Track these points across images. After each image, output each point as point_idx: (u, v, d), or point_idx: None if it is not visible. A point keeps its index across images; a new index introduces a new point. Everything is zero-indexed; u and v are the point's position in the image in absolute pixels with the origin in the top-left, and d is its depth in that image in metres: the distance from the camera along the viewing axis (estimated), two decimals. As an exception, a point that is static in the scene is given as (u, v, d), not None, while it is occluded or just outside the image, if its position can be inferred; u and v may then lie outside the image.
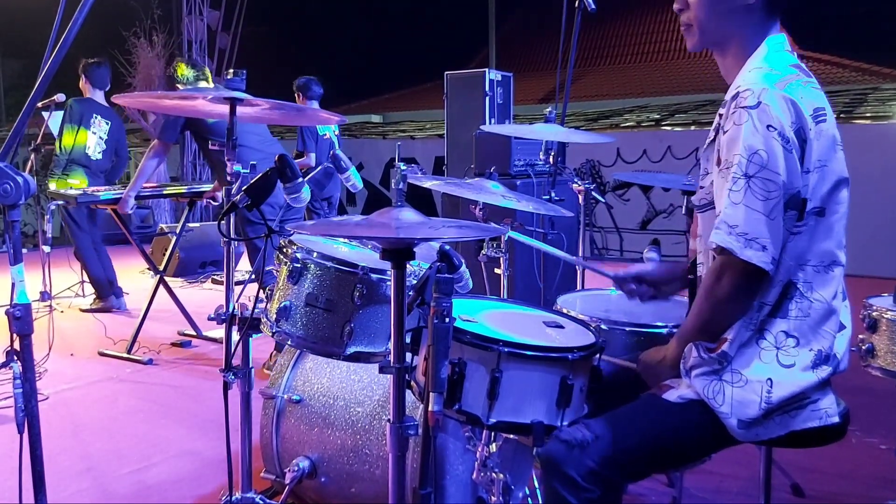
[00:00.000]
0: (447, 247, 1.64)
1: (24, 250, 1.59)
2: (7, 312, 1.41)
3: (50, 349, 3.94)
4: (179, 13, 10.31)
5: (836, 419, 1.48)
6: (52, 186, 5.19)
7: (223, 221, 1.98)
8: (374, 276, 1.82)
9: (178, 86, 4.36)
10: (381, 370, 1.47)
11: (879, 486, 2.69)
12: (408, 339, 1.49)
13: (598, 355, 1.59)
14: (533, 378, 1.48)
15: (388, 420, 1.47)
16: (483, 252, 3.05)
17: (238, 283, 2.07)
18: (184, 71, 4.35)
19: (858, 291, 1.58)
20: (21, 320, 1.40)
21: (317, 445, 2.20)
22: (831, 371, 1.48)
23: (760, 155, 1.40)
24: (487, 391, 1.45)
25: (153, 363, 4.29)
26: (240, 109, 2.02)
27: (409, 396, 1.54)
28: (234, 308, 2.04)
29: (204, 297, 6.21)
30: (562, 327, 1.73)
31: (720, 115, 1.53)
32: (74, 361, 4.34)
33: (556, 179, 3.61)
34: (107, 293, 5.59)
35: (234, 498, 2.07)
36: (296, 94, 6.05)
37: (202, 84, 4.38)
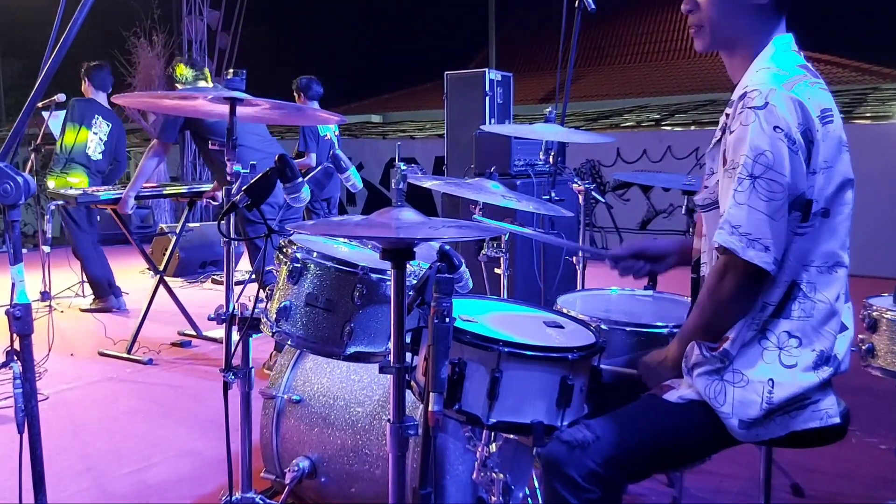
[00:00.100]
0: (447, 247, 1.64)
1: (24, 250, 1.59)
2: (7, 312, 1.41)
3: (50, 349, 3.94)
4: (179, 13, 10.31)
5: (836, 420, 1.48)
6: (52, 185, 5.19)
7: (223, 221, 1.98)
8: (374, 276, 1.82)
9: (177, 85, 4.36)
10: (381, 370, 1.47)
11: (879, 486, 2.69)
12: (408, 339, 1.49)
13: (598, 357, 1.59)
14: (533, 378, 1.48)
15: (388, 420, 1.47)
16: (483, 252, 3.05)
17: (238, 283, 2.07)
18: (183, 71, 4.35)
19: (858, 291, 1.58)
20: (21, 320, 1.40)
21: (317, 445, 2.20)
22: (832, 372, 1.48)
23: (766, 156, 1.40)
24: (487, 391, 1.45)
25: (153, 363, 4.29)
26: (240, 109, 2.02)
27: (409, 396, 1.54)
28: (234, 308, 2.04)
29: (204, 297, 6.21)
30: (562, 327, 1.73)
31: (726, 115, 1.53)
32: (74, 361, 4.34)
33: (556, 179, 3.60)
34: (106, 293, 5.59)
35: (234, 498, 2.07)
36: (295, 94, 6.05)
37: (201, 84, 4.38)
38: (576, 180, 3.30)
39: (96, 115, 5.48)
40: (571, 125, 4.70)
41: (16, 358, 1.42)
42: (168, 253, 4.92)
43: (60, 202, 4.74)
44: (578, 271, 3.22)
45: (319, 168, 2.46)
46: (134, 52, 10.20)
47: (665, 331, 1.82)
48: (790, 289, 1.48)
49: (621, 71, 18.44)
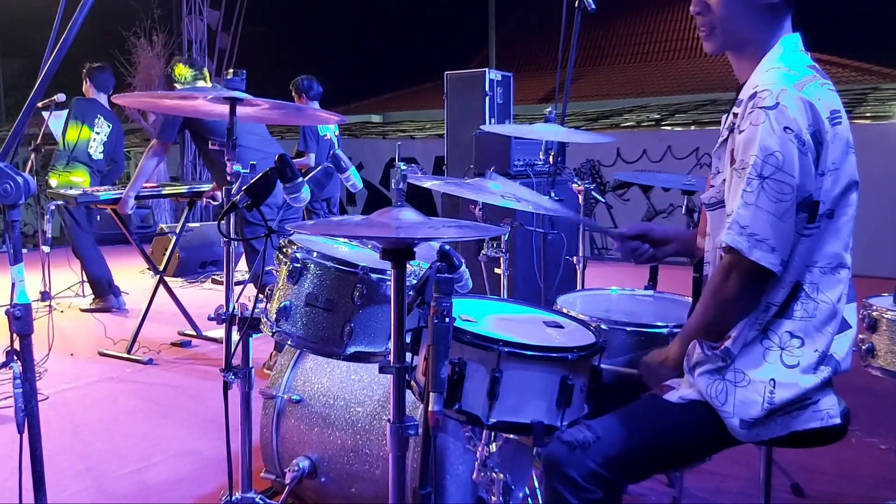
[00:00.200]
0: (447, 247, 1.64)
1: (24, 250, 1.59)
2: (7, 312, 1.41)
3: (50, 349, 3.94)
4: (179, 13, 10.31)
5: (837, 420, 1.48)
6: (54, 183, 5.19)
7: (223, 221, 1.98)
8: (374, 275, 1.82)
9: (176, 85, 4.36)
10: (381, 370, 1.47)
11: (879, 486, 2.69)
12: (408, 339, 1.49)
13: (598, 356, 1.59)
14: (533, 378, 1.48)
15: (388, 420, 1.47)
16: (483, 252, 3.05)
17: (238, 283, 2.07)
18: (182, 71, 4.35)
19: (858, 291, 1.58)
20: (21, 320, 1.40)
21: (317, 445, 2.20)
22: (831, 371, 1.48)
23: (776, 157, 1.40)
24: (487, 391, 1.45)
25: (153, 363, 4.29)
26: (240, 109, 2.02)
27: (409, 396, 1.54)
28: (234, 308, 2.04)
29: (204, 297, 6.21)
30: (562, 327, 1.73)
31: (734, 115, 1.52)
32: (74, 361, 4.34)
33: (555, 179, 3.60)
34: (106, 292, 5.59)
35: (234, 498, 2.07)
36: (295, 95, 6.05)
37: (200, 84, 4.38)
38: (576, 180, 3.30)
39: (98, 116, 5.49)
40: (571, 125, 4.70)
41: (16, 358, 1.42)
42: (168, 253, 4.92)
43: (61, 202, 4.75)
44: (578, 271, 3.22)
45: (319, 168, 2.46)
46: (134, 52, 10.20)
47: (665, 331, 1.82)
48: (794, 289, 1.48)
49: (621, 71, 18.43)
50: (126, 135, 5.99)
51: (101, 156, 5.49)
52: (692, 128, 9.51)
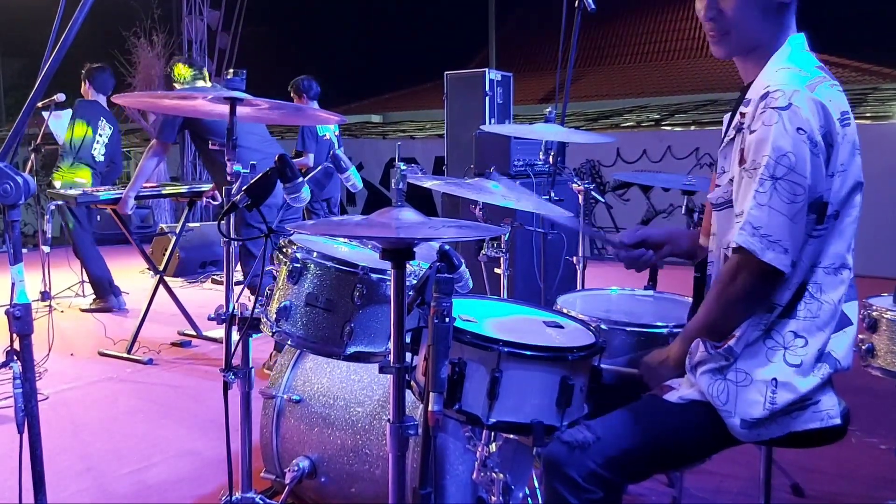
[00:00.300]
0: (447, 247, 1.64)
1: (24, 250, 1.59)
2: (7, 312, 1.41)
3: (50, 349, 3.94)
4: (179, 13, 10.31)
5: (837, 421, 1.48)
6: (58, 184, 5.20)
7: (223, 221, 1.98)
8: (374, 275, 1.82)
9: (176, 85, 4.36)
10: (381, 370, 1.47)
11: (879, 486, 2.69)
12: (408, 339, 1.49)
13: (598, 357, 1.59)
14: (533, 378, 1.48)
15: (388, 420, 1.47)
16: (483, 252, 3.05)
17: (238, 283, 2.07)
18: (181, 71, 4.35)
19: (858, 291, 1.58)
20: (21, 320, 1.40)
21: (317, 445, 2.20)
22: (831, 370, 1.48)
23: (789, 157, 1.39)
24: (487, 391, 1.45)
25: (153, 363, 4.28)
26: (239, 109, 2.02)
27: (409, 396, 1.54)
28: (234, 308, 2.04)
29: (204, 297, 6.21)
30: (562, 327, 1.73)
31: (741, 114, 1.52)
32: (74, 361, 4.34)
33: (555, 179, 3.60)
34: (107, 292, 5.60)
35: (234, 498, 2.07)
36: (294, 96, 6.04)
37: (200, 84, 4.38)
38: (575, 180, 3.30)
39: (101, 118, 5.51)
40: (571, 125, 4.70)
41: (16, 358, 1.42)
42: (168, 253, 4.92)
43: (60, 202, 4.75)
44: (578, 271, 3.22)
45: (319, 168, 2.46)
46: (134, 52, 10.20)
47: (665, 331, 1.82)
48: (799, 290, 1.48)
49: (621, 71, 18.42)
50: (126, 135, 6.00)
51: (102, 158, 5.51)
52: (692, 128, 9.51)
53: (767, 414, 1.45)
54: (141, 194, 4.49)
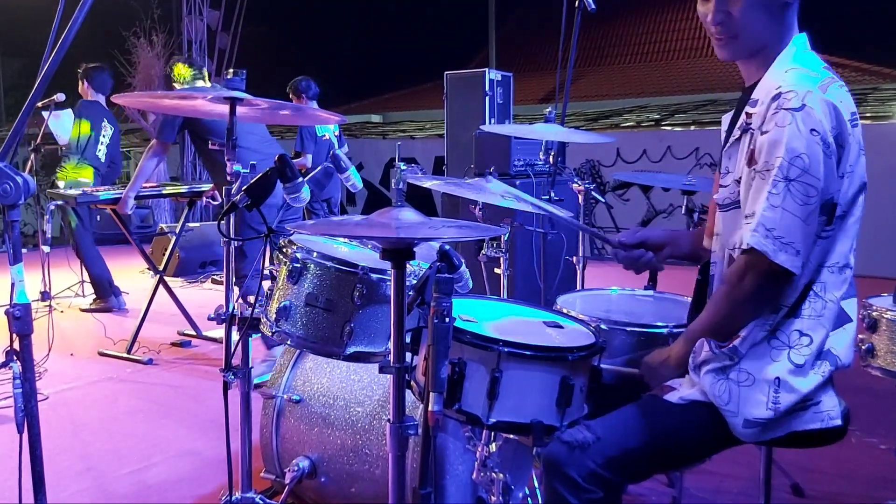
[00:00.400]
0: (447, 247, 1.64)
1: (24, 250, 1.59)
2: (7, 312, 1.41)
3: (50, 349, 3.94)
4: (179, 13, 10.31)
5: (837, 422, 1.48)
6: (62, 183, 5.21)
7: (223, 221, 1.98)
8: (374, 275, 1.82)
9: (175, 85, 4.36)
10: (381, 370, 1.47)
11: (879, 486, 2.69)
12: (408, 339, 1.49)
13: (598, 356, 1.59)
14: (533, 378, 1.48)
15: (388, 420, 1.47)
16: (483, 252, 3.05)
17: (238, 283, 2.07)
18: (181, 71, 4.35)
19: (858, 291, 1.58)
20: (21, 320, 1.40)
21: (317, 445, 2.20)
22: (831, 368, 1.48)
23: (802, 159, 1.39)
24: (487, 391, 1.45)
25: (153, 363, 4.28)
26: (239, 109, 2.02)
27: (409, 396, 1.54)
28: (234, 308, 2.04)
29: (204, 297, 6.21)
30: (561, 327, 1.73)
31: (747, 114, 1.51)
32: (74, 361, 4.34)
33: (555, 179, 3.60)
34: (107, 292, 5.60)
35: (234, 498, 2.07)
36: (293, 96, 6.04)
37: (199, 84, 4.37)
38: (575, 180, 3.30)
39: (104, 119, 5.52)
40: (571, 125, 4.70)
41: (16, 358, 1.42)
42: (168, 253, 4.92)
43: (60, 202, 4.75)
44: (578, 271, 3.22)
45: (319, 168, 2.46)
46: (134, 52, 10.20)
47: (665, 331, 1.82)
48: (804, 290, 1.48)
49: (621, 71, 18.42)
50: (126, 135, 6.02)
51: (104, 158, 5.52)
52: (692, 128, 9.51)
53: (772, 415, 1.45)
54: (141, 194, 4.49)
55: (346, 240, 2.18)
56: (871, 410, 3.27)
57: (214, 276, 6.91)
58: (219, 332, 4.29)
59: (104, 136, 5.49)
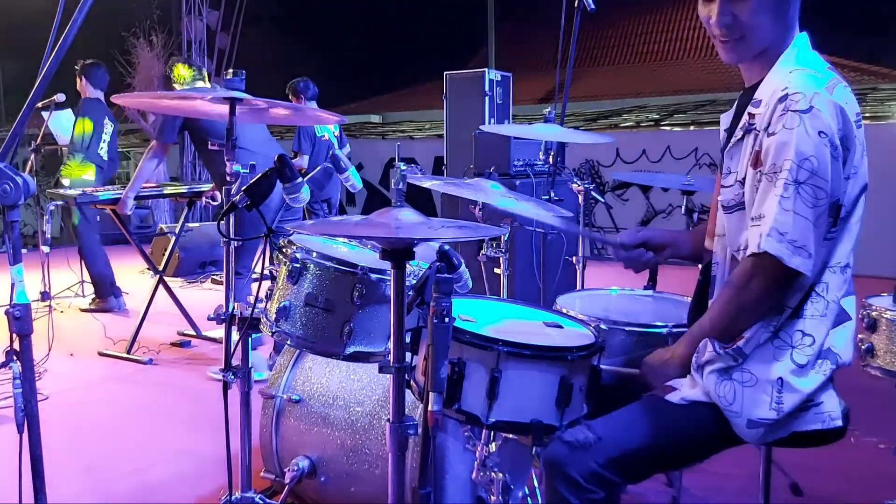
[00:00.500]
0: (447, 247, 1.64)
1: (24, 250, 1.59)
2: (7, 312, 1.41)
3: (50, 349, 3.95)
4: (179, 13, 10.30)
5: (839, 423, 1.48)
6: (66, 181, 5.21)
7: (223, 221, 1.98)
8: (373, 275, 1.82)
9: (176, 86, 4.36)
10: (381, 370, 1.47)
11: (879, 486, 2.69)
12: (407, 339, 1.49)
13: (597, 356, 1.59)
14: (532, 378, 1.48)
15: (388, 420, 1.47)
16: (483, 252, 3.05)
17: (238, 275, 2.07)
18: (181, 71, 4.35)
19: (858, 291, 1.58)
20: (21, 320, 1.40)
21: (316, 445, 2.20)
22: (832, 367, 1.48)
23: (811, 161, 1.39)
24: (487, 391, 1.45)
25: (153, 363, 4.29)
26: (239, 110, 2.02)
27: (409, 396, 1.54)
28: (233, 308, 2.04)
29: (204, 297, 6.21)
30: (561, 327, 1.73)
31: (750, 115, 1.51)
32: (74, 361, 4.34)
33: (555, 179, 3.60)
34: (108, 292, 5.60)
35: (233, 498, 2.07)
36: (292, 97, 6.04)
37: (199, 84, 4.38)
38: (575, 180, 3.30)
39: (105, 117, 5.52)
40: (571, 125, 4.71)
41: (16, 358, 1.42)
42: (168, 253, 4.93)
43: (61, 202, 4.75)
44: (578, 271, 3.22)
45: (319, 168, 2.46)
46: (133, 53, 10.21)
47: (664, 331, 1.82)
48: (808, 290, 1.48)
49: (621, 71, 18.41)
50: (126, 135, 6.02)
51: (106, 156, 5.53)
52: (691, 128, 9.51)
53: (775, 416, 1.45)
54: (141, 194, 4.49)
55: (346, 240, 2.18)
56: (871, 410, 3.26)
57: (214, 276, 6.91)
58: (218, 332, 4.30)
59: (105, 134, 5.49)
